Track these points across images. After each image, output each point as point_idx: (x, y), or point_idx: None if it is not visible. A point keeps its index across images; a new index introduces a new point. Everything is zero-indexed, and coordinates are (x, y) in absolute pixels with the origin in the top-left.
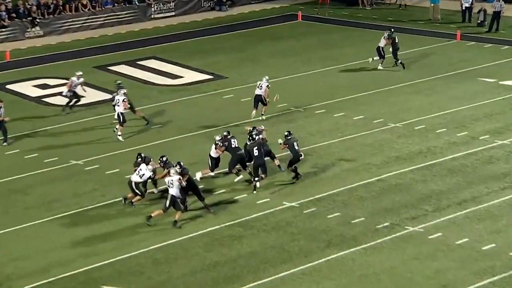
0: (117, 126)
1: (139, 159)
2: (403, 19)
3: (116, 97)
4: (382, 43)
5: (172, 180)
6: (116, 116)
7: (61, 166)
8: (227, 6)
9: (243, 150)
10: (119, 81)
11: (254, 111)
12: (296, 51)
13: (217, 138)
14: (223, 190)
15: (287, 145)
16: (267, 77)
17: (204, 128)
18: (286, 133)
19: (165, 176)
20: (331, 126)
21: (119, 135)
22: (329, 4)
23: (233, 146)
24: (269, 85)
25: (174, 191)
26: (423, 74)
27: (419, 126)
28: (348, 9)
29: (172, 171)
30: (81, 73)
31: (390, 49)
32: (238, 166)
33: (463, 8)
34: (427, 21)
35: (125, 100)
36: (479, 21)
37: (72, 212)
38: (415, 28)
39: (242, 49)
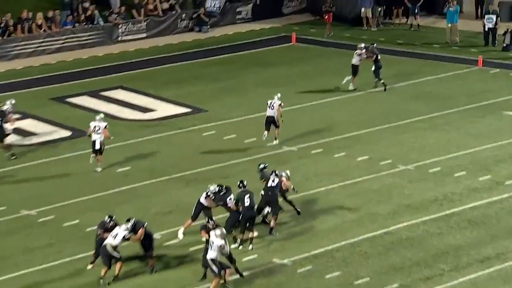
0: (94, 156)
1: (111, 223)
2: (415, 42)
3: (96, 124)
4: (356, 59)
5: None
6: (98, 146)
7: (10, 217)
8: (208, 26)
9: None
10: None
11: (266, 133)
12: (290, 80)
13: (211, 188)
14: (201, 246)
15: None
16: (279, 95)
17: (180, 171)
18: (261, 166)
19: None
20: (330, 169)
21: (98, 166)
22: (329, 24)
23: (228, 204)
24: (282, 104)
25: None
26: (439, 106)
27: (434, 169)
28: (351, 29)
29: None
30: (13, 101)
31: (372, 68)
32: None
33: (486, 29)
34: (444, 44)
35: (107, 126)
36: (504, 45)
37: (22, 272)
38: (429, 52)
39: (225, 77)
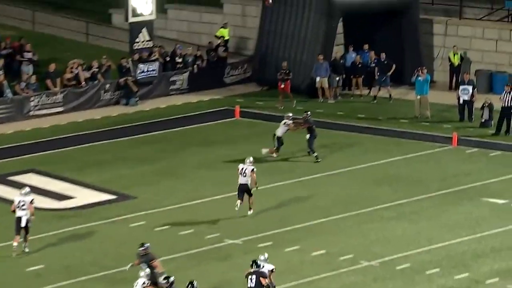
0: (17, 240)
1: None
2: (379, 117)
3: (21, 198)
4: (281, 131)
5: None
6: (23, 224)
7: None
8: (137, 98)
9: None
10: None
11: (239, 202)
12: (233, 161)
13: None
14: None
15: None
16: (251, 159)
17: (104, 270)
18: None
19: None
20: (280, 266)
21: (26, 247)
22: (289, 93)
23: None
24: (255, 169)
25: None
26: (407, 192)
27: (403, 265)
28: (304, 102)
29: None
30: None
31: (307, 136)
32: None
33: (461, 101)
34: (412, 119)
35: (33, 201)
36: (483, 120)
37: None
38: (395, 128)
39: (157, 159)
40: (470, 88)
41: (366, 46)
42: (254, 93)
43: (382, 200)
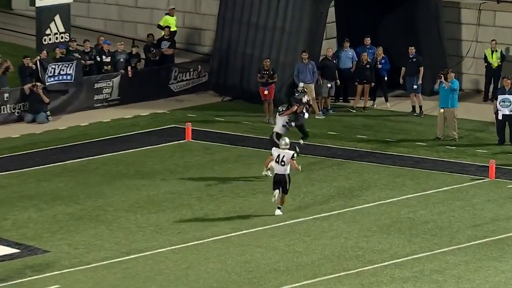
0: None
1: None
2: (388, 137)
3: None
4: (279, 126)
5: None
6: None
7: None
8: (48, 113)
9: None
10: None
11: (277, 192)
12: (181, 203)
13: None
14: None
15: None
16: (286, 140)
17: None
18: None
19: None
20: None
21: None
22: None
23: None
24: (295, 155)
25: None
26: (427, 243)
27: None
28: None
29: None
30: None
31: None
32: None
33: (500, 117)
34: (434, 141)
35: None
36: None
37: None
38: (410, 155)
39: (74, 197)
40: None
41: (368, 40)
42: (211, 106)
43: (392, 253)
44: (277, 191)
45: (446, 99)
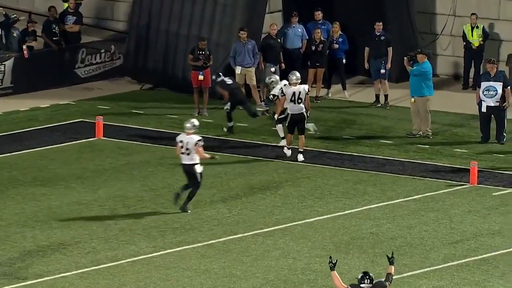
0: None
1: None
2: (346, 134)
3: None
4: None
5: None
6: None
7: None
8: None
9: None
10: None
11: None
12: (91, 210)
13: None
14: None
15: None
16: (297, 74)
17: None
18: None
19: None
20: None
21: None
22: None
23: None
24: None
25: None
26: (396, 264)
27: None
28: (215, 110)
29: None
30: None
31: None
32: None
33: (483, 109)
34: (402, 138)
35: None
36: None
37: None
38: (374, 155)
39: None
40: (498, 86)
41: (319, 14)
42: (127, 95)
43: (351, 277)
44: (285, 140)
45: (418, 86)
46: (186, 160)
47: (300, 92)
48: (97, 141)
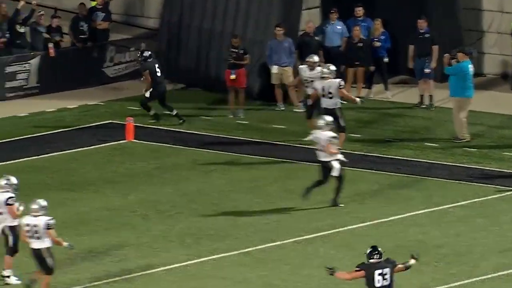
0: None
1: None
2: (389, 136)
3: None
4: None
5: None
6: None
7: None
8: None
9: None
10: None
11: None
12: (121, 217)
13: None
14: None
15: None
16: (331, 67)
17: None
18: None
19: None
20: None
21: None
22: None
23: None
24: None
25: None
26: (442, 273)
27: None
28: (252, 110)
29: None
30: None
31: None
32: None
33: None
34: (448, 141)
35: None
36: None
37: None
38: (418, 159)
39: None
40: None
41: (360, 10)
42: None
43: (396, 287)
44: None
45: (454, 86)
46: (323, 157)
47: (330, 87)
48: (127, 143)
